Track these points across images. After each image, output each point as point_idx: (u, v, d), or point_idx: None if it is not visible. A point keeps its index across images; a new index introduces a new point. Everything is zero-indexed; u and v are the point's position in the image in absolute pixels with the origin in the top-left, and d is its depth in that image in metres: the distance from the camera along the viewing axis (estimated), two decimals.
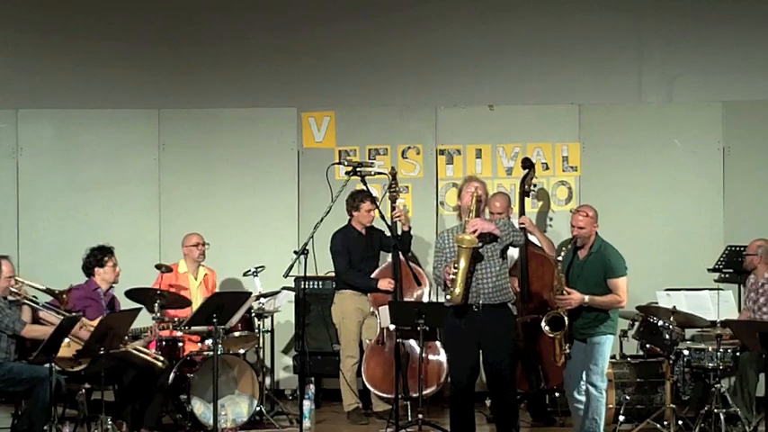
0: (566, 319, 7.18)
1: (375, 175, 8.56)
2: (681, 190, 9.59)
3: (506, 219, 7.52)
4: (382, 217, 8.36)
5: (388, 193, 8.76)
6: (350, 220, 8.78)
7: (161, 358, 8.04)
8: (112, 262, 8.19)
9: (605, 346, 7.26)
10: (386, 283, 8.51)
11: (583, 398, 7.33)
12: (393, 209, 8.71)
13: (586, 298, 7.16)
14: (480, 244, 6.94)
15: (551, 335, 7.28)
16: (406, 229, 8.70)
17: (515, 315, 8.49)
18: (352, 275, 8.66)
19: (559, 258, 7.29)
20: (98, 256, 8.17)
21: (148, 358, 7.96)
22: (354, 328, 8.70)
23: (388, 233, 8.42)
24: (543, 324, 7.27)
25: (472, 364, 7.10)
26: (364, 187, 8.13)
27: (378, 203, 8.57)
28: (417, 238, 9.47)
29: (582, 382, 7.31)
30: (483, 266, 7.00)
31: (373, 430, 8.41)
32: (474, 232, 6.90)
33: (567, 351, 7.25)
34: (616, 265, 7.24)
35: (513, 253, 8.51)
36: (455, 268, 6.90)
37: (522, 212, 8.74)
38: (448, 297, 7.00)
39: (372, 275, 8.68)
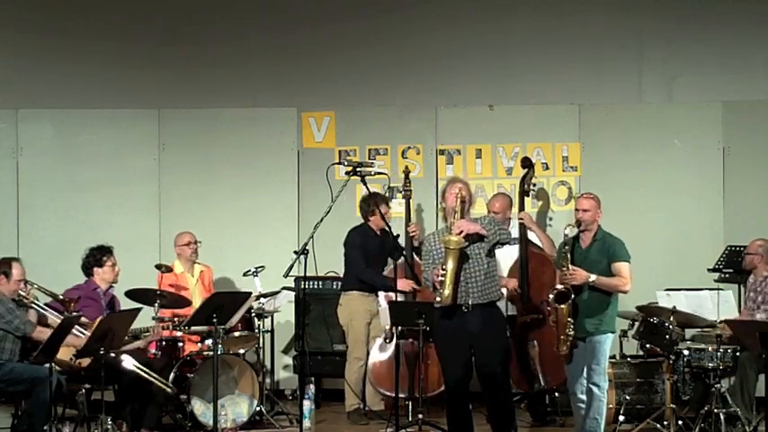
0: (572, 294, 7.15)
1: (375, 175, 8.54)
2: (681, 190, 9.59)
3: (492, 217, 7.46)
4: (382, 217, 8.37)
5: (402, 192, 8.77)
6: (366, 221, 8.75)
7: (171, 385, 7.87)
8: (111, 262, 8.19)
9: (606, 345, 7.27)
10: (404, 284, 8.41)
11: (585, 397, 7.33)
12: (407, 208, 8.72)
13: (592, 276, 7.16)
14: (467, 244, 6.95)
15: (557, 305, 7.16)
16: (416, 245, 8.67)
17: (515, 314, 8.56)
18: (371, 274, 8.62)
19: (566, 232, 7.27)
20: (97, 256, 8.18)
21: (157, 383, 7.77)
22: (363, 330, 8.67)
23: (393, 234, 8.42)
24: (550, 298, 7.21)
25: (465, 365, 7.09)
26: (364, 187, 8.13)
27: (386, 207, 8.58)
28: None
29: (583, 380, 7.31)
30: (470, 266, 7.00)
31: (373, 430, 8.41)
32: (459, 233, 6.91)
33: (572, 334, 7.18)
34: (620, 250, 7.28)
35: (514, 253, 8.52)
36: (443, 270, 6.90)
37: (521, 211, 8.75)
38: (438, 299, 6.99)
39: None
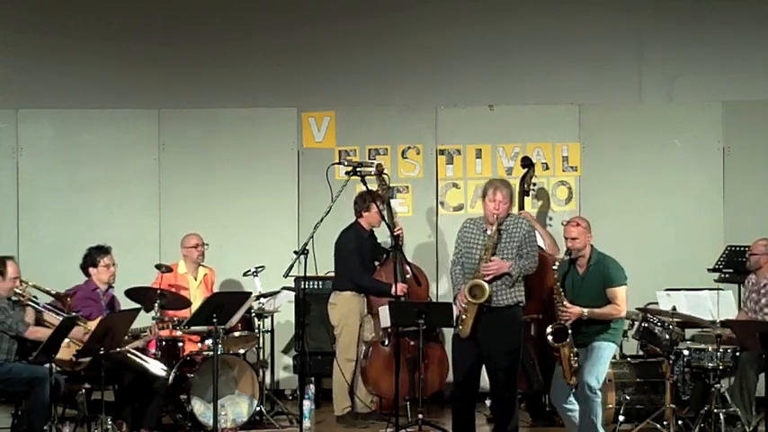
0: (569, 330, 7.15)
1: (375, 174, 8.56)
2: (681, 190, 9.60)
3: (530, 232, 7.22)
4: (382, 217, 8.36)
5: (380, 191, 8.71)
6: (357, 221, 8.73)
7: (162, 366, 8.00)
8: (105, 262, 8.14)
9: (604, 351, 7.22)
10: (401, 288, 8.37)
11: (573, 405, 7.28)
12: (388, 208, 8.68)
13: (585, 311, 7.14)
14: (488, 299, 6.96)
15: (556, 345, 7.17)
16: (401, 243, 8.65)
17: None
18: (368, 279, 8.59)
19: (554, 267, 7.26)
20: (93, 256, 8.16)
21: (145, 365, 7.90)
22: (356, 330, 8.65)
23: (387, 233, 8.40)
24: (548, 336, 7.20)
25: (473, 364, 7.10)
26: (364, 187, 8.12)
27: (382, 205, 8.53)
28: (417, 238, 9.49)
29: (570, 395, 7.26)
30: (497, 283, 7.03)
31: (373, 430, 8.41)
32: (488, 275, 6.94)
33: (576, 366, 7.17)
34: (615, 274, 7.23)
35: None
36: (465, 307, 6.94)
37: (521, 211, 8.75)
38: (458, 329, 7.07)
39: (375, 276, 8.66)
